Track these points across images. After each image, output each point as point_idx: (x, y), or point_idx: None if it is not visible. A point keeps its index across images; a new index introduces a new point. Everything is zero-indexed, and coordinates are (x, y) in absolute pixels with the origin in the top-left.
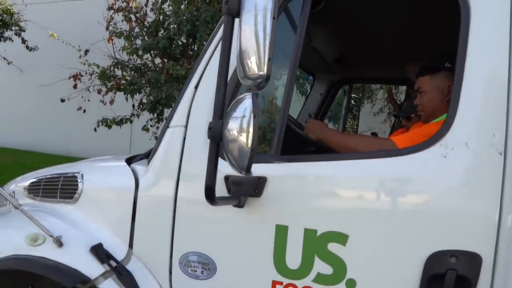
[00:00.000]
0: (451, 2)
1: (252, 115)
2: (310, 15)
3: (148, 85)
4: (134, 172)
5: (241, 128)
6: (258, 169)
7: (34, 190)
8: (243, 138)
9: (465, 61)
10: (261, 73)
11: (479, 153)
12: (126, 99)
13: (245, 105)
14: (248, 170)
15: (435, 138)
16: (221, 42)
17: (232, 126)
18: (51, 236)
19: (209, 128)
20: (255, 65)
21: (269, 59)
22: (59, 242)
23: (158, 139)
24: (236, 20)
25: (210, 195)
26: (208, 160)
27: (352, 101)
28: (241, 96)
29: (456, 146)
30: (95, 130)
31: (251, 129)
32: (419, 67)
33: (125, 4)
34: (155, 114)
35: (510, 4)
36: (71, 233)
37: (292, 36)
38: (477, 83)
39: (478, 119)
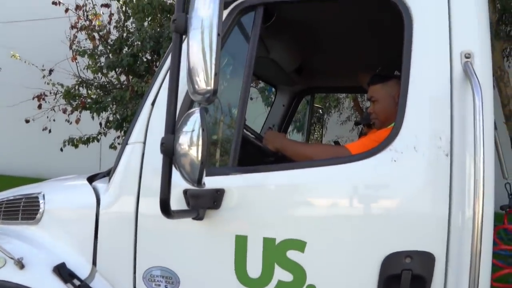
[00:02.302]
0: (395, 11)
1: (200, 129)
2: (264, 28)
3: (113, 102)
4: (95, 190)
5: (191, 142)
6: (216, 182)
7: None
8: (193, 152)
9: (409, 68)
10: (209, 88)
11: (427, 156)
12: (92, 117)
13: (194, 119)
14: (199, 182)
15: (385, 143)
16: (170, 59)
17: (183, 140)
18: (11, 258)
19: (161, 143)
20: (203, 81)
21: (215, 74)
22: (20, 264)
23: (118, 156)
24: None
25: (166, 209)
26: (162, 174)
27: (320, 111)
28: (190, 111)
29: (405, 150)
30: (61, 150)
31: (200, 142)
32: (371, 76)
33: (88, 22)
34: (122, 132)
35: (447, 10)
36: (33, 254)
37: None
38: (422, 89)
39: (425, 123)
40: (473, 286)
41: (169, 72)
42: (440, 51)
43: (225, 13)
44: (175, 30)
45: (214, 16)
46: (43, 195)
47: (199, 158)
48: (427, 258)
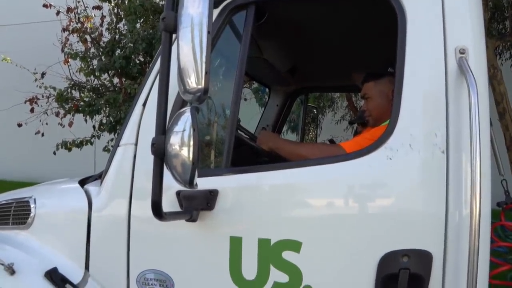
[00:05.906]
0: (389, 9)
1: (192, 128)
2: (256, 28)
3: (106, 105)
4: (87, 193)
5: (182, 142)
6: (209, 182)
7: None
8: (184, 152)
9: (404, 65)
10: (200, 86)
11: (423, 153)
12: (85, 120)
13: (185, 119)
14: (191, 183)
15: (380, 141)
16: (160, 58)
17: (174, 141)
18: (2, 264)
19: (152, 144)
20: (193, 79)
21: (206, 73)
22: (11, 270)
23: (109, 159)
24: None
25: (158, 211)
26: (153, 176)
27: (315, 111)
28: (181, 111)
29: (400, 147)
30: (54, 153)
31: (191, 143)
32: (365, 74)
33: (80, 25)
34: (116, 134)
35: (441, 5)
36: (24, 260)
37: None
38: (416, 86)
39: (420, 120)
40: (471, 283)
41: (159, 71)
42: (434, 47)
43: (216, 12)
44: (164, 28)
45: (204, 14)
46: (34, 199)
47: (191, 158)
48: (424, 257)
